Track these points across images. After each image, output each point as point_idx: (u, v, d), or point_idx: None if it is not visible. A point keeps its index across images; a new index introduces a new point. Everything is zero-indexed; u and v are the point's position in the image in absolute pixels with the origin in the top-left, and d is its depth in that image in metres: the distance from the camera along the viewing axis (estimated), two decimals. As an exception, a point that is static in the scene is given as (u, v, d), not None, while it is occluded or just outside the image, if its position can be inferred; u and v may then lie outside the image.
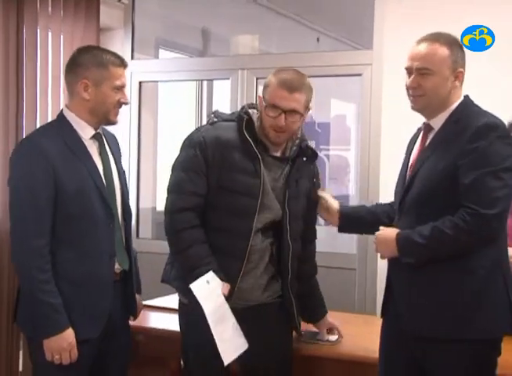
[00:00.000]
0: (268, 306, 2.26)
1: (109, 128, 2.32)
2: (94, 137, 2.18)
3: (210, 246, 2.15)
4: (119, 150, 2.34)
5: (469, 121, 1.94)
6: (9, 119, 3.32)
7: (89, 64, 2.12)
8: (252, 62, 3.99)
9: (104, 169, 2.17)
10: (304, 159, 2.28)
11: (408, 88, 2.02)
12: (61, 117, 2.18)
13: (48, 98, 3.54)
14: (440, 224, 1.90)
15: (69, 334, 2.05)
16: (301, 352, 2.37)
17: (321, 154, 4.05)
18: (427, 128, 2.06)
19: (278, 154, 2.25)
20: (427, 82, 1.97)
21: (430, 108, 2.01)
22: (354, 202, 4.00)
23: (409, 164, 2.07)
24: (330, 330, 2.43)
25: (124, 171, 2.32)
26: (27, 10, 3.35)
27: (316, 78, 4.09)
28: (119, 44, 4.09)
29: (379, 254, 2.07)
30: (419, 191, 1.98)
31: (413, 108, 2.05)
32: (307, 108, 2.21)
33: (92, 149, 2.17)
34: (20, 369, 3.48)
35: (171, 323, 2.68)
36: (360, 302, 3.59)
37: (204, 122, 5.33)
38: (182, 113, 5.28)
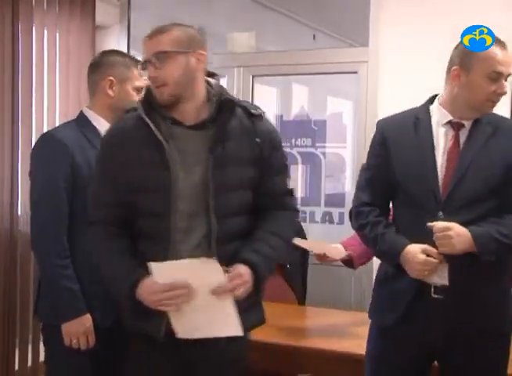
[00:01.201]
0: None
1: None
2: None
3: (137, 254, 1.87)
4: None
5: (504, 124, 2.03)
6: (4, 117, 3.31)
7: (115, 63, 2.24)
8: (248, 59, 3.99)
9: None
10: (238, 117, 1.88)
11: (500, 94, 1.97)
12: (81, 115, 2.28)
13: (44, 93, 3.53)
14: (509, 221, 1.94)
15: (86, 319, 2.11)
16: (300, 349, 2.38)
17: (317, 152, 4.05)
18: (457, 125, 2.02)
19: (195, 122, 1.88)
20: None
21: None
22: (349, 199, 4.00)
23: (442, 160, 1.99)
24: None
25: None
26: (22, 7, 3.34)
27: (312, 76, 4.11)
28: (115, 41, 4.08)
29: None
30: (476, 189, 1.95)
31: (487, 113, 2.01)
32: (185, 49, 1.83)
33: None
34: (16, 368, 3.47)
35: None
36: (357, 300, 3.59)
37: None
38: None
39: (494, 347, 2.01)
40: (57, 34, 3.58)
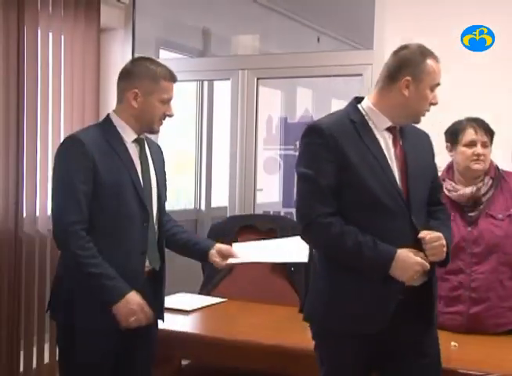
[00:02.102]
0: None
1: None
2: (136, 141, 2.29)
3: None
4: (162, 160, 2.45)
5: (421, 134, 2.17)
6: (9, 119, 3.32)
7: (142, 75, 2.24)
8: (253, 62, 4.00)
9: (142, 171, 2.28)
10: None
11: (434, 104, 2.06)
12: (107, 119, 2.30)
13: (49, 97, 3.54)
14: (448, 223, 2.15)
15: (133, 296, 2.15)
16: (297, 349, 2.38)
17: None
18: (394, 130, 2.08)
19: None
20: None
21: None
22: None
23: (394, 164, 2.03)
24: None
25: (164, 180, 2.41)
26: (27, 10, 3.35)
27: (317, 78, 4.12)
28: (119, 44, 4.09)
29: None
30: (423, 191, 2.09)
31: (419, 122, 2.11)
32: None
33: (133, 151, 2.28)
34: (21, 369, 3.48)
35: (171, 322, 2.69)
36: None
37: (205, 121, 5.36)
38: (182, 113, 5.29)
39: (435, 340, 2.13)
40: (62, 38, 3.59)
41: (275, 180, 4.37)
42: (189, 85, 4.93)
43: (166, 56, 4.58)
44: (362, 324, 2.01)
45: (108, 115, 2.32)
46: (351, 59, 3.71)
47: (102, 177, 2.16)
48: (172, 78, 2.28)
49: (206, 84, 5.00)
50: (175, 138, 5.09)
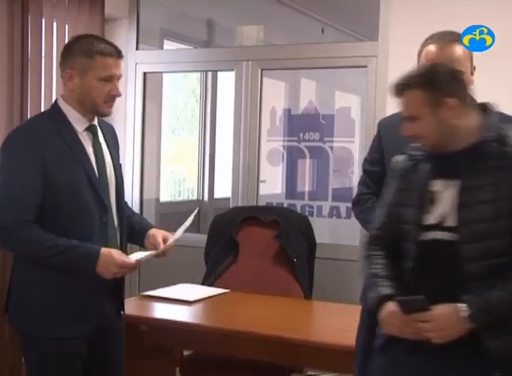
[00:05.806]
0: None
1: (109, 120, 2.30)
2: (88, 129, 2.13)
3: None
4: (117, 142, 2.28)
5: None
6: (13, 108, 3.33)
7: (76, 53, 2.06)
8: (257, 53, 3.99)
9: (97, 162, 2.11)
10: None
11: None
12: (55, 107, 2.13)
13: (53, 87, 3.54)
14: None
15: (106, 252, 2.01)
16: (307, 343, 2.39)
17: (325, 146, 4.05)
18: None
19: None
20: None
21: None
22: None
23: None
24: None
25: (120, 165, 2.24)
26: (31, 0, 3.35)
27: (321, 70, 4.10)
28: (124, 34, 4.08)
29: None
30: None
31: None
32: None
33: (86, 141, 2.11)
34: None
35: (173, 313, 2.70)
36: (363, 294, 3.60)
37: (208, 113, 5.33)
38: (186, 104, 5.28)
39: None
40: (66, 27, 3.59)
41: (278, 172, 4.36)
42: (193, 76, 4.92)
43: (170, 47, 4.57)
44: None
45: (56, 101, 2.14)
46: (355, 50, 3.70)
47: (55, 175, 2.00)
48: (112, 54, 2.05)
49: (210, 74, 4.99)
50: (178, 129, 5.09)
